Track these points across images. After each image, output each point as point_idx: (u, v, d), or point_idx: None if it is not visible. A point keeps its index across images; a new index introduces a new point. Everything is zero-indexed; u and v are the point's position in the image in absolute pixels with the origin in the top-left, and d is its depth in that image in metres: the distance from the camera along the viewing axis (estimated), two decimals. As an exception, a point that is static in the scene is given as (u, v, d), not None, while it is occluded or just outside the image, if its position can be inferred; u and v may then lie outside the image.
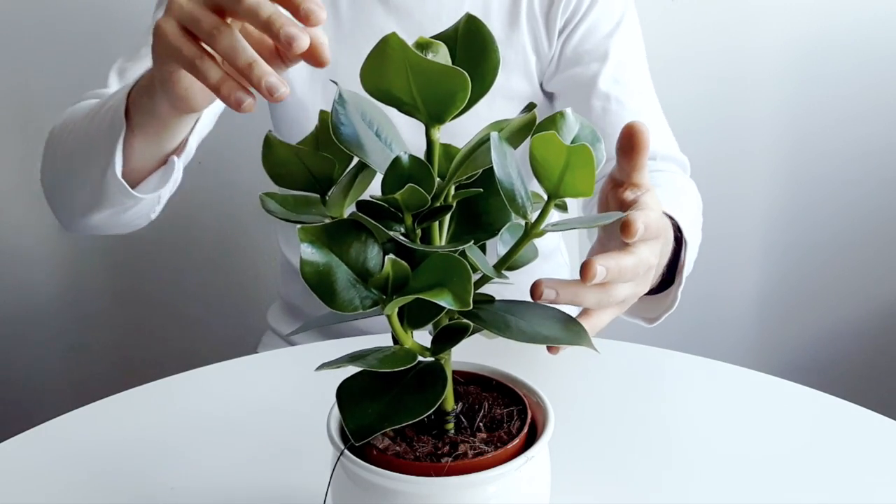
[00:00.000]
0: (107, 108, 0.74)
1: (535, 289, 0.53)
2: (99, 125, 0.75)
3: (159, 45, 0.58)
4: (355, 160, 0.50)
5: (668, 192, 0.85)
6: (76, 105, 0.89)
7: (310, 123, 0.70)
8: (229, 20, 0.55)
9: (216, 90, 0.54)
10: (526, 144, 0.48)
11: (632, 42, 1.02)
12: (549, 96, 1.04)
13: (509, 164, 0.46)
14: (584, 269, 0.52)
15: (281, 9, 0.53)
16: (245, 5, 0.52)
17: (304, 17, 0.52)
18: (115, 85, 0.92)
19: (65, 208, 0.85)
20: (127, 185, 0.74)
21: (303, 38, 0.51)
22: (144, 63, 0.92)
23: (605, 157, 0.53)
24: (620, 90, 0.98)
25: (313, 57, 0.53)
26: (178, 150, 0.75)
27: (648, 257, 0.58)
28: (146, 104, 0.68)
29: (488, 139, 0.46)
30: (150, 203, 0.80)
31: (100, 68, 1.44)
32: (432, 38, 0.49)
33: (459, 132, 0.57)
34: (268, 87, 0.52)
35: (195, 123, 0.73)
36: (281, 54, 0.57)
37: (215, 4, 0.54)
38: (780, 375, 0.81)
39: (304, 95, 0.99)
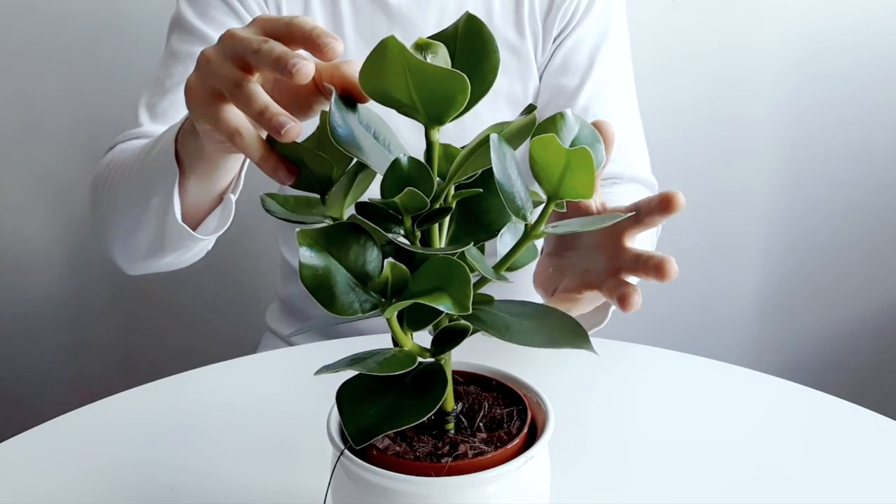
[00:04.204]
0: (154, 154, 0.74)
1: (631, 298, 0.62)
2: (150, 172, 0.75)
3: (190, 104, 0.58)
4: (355, 160, 0.50)
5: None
6: (114, 149, 0.89)
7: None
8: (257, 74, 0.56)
9: (260, 165, 0.55)
10: (527, 145, 0.48)
11: (618, 58, 1.03)
12: None
13: (509, 166, 0.46)
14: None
15: (303, 52, 0.54)
16: (259, 54, 0.53)
17: (320, 50, 0.53)
18: (146, 122, 0.92)
19: (127, 255, 0.85)
20: (189, 230, 0.74)
21: (307, 66, 0.51)
22: (170, 97, 0.93)
23: (604, 159, 0.53)
24: (599, 107, 0.99)
25: (353, 93, 0.53)
26: (232, 186, 0.75)
27: None
28: (193, 147, 0.68)
29: (488, 140, 0.46)
30: (209, 240, 0.80)
31: (101, 72, 1.45)
32: (431, 37, 0.49)
33: (462, 134, 0.57)
34: (277, 124, 0.52)
35: (246, 158, 0.73)
36: (320, 89, 0.57)
37: (238, 59, 0.55)
38: (780, 375, 0.81)
39: None
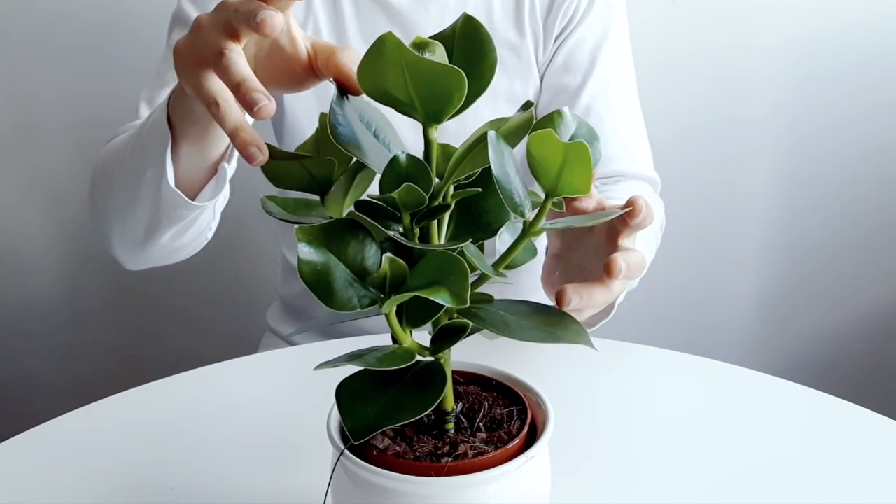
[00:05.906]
0: (149, 125, 0.74)
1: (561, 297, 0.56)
2: (143, 145, 0.75)
3: (178, 67, 0.58)
4: (354, 160, 0.50)
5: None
6: (113, 140, 0.89)
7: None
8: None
9: (231, 137, 0.54)
10: (524, 144, 0.48)
11: (620, 56, 1.03)
12: None
13: (507, 163, 0.47)
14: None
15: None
16: (238, 13, 0.53)
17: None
18: (146, 114, 0.92)
19: (125, 239, 0.84)
20: (184, 196, 0.74)
21: (273, 17, 0.52)
22: (169, 90, 0.92)
23: (601, 155, 0.53)
24: (602, 105, 0.99)
25: (348, 84, 0.53)
26: (226, 156, 0.74)
27: (618, 291, 0.62)
28: (184, 109, 0.68)
29: (485, 137, 0.46)
30: (206, 218, 0.80)
31: (100, 72, 1.45)
32: (430, 37, 0.49)
33: (463, 135, 0.57)
34: (250, 100, 0.52)
35: None
36: (315, 70, 0.57)
37: (228, 26, 0.55)
38: (780, 375, 0.81)
39: (309, 109, 0.99)
